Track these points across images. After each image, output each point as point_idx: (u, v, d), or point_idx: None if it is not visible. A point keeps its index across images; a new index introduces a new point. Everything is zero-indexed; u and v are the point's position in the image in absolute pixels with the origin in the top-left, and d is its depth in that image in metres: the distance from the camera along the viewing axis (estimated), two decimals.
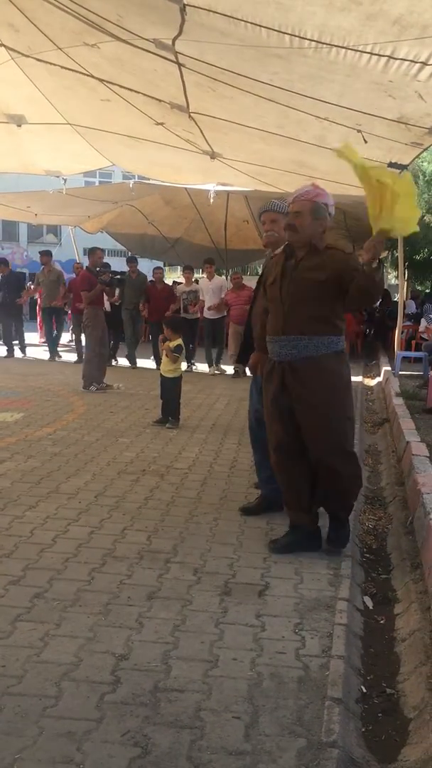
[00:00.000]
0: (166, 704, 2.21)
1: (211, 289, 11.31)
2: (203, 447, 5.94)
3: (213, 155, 8.33)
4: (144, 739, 2.03)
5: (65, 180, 11.53)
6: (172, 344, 6.70)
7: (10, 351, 12.24)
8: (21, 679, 2.31)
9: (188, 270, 12.10)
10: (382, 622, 3.07)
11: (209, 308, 11.20)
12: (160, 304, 11.22)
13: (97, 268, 9.26)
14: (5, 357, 12.05)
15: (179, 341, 6.77)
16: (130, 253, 15.90)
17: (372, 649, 2.83)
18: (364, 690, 2.51)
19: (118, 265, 16.24)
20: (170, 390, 6.77)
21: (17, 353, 12.32)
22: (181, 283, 12.05)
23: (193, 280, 11.84)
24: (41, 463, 5.11)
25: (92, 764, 1.92)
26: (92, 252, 9.47)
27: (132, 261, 11.97)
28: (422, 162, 10.16)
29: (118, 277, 11.57)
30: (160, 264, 17.64)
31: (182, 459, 5.48)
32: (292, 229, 3.47)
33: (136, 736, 2.04)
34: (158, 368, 10.79)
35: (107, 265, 12.29)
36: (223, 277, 12.33)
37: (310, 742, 2.06)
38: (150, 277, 12.25)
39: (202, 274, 13.08)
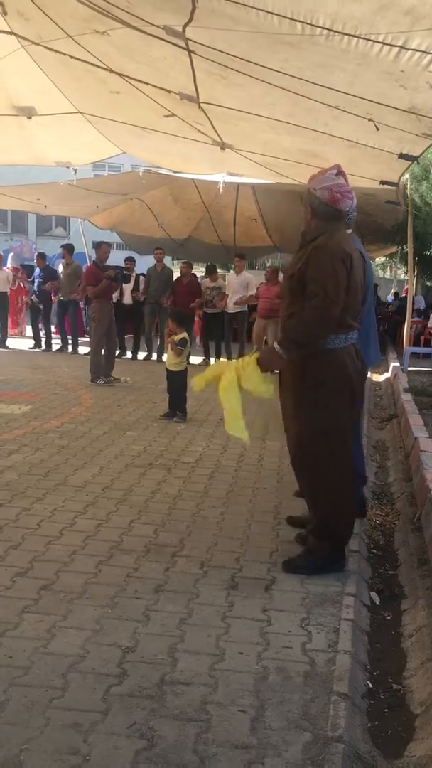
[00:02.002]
0: (172, 697, 2.21)
1: (236, 283, 11.21)
2: (210, 441, 5.93)
3: (223, 146, 8.27)
4: (150, 731, 2.04)
5: (75, 170, 11.52)
6: (177, 338, 6.69)
7: (46, 343, 12.61)
8: (28, 671, 2.32)
9: (212, 272, 11.91)
10: (388, 617, 3.06)
11: (235, 303, 11.06)
12: (185, 298, 11.14)
13: (124, 265, 9.29)
14: (43, 350, 12.46)
15: (184, 335, 6.75)
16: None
17: (378, 644, 2.83)
18: (371, 685, 2.51)
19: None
20: (176, 384, 6.76)
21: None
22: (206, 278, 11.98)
23: (217, 277, 11.74)
24: (49, 456, 5.12)
25: (98, 756, 1.92)
26: (99, 246, 9.46)
27: (159, 251, 11.85)
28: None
29: (125, 272, 11.58)
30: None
31: (189, 453, 5.48)
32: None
33: (142, 729, 2.05)
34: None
35: (132, 259, 12.32)
36: (251, 274, 12.35)
37: (316, 736, 2.06)
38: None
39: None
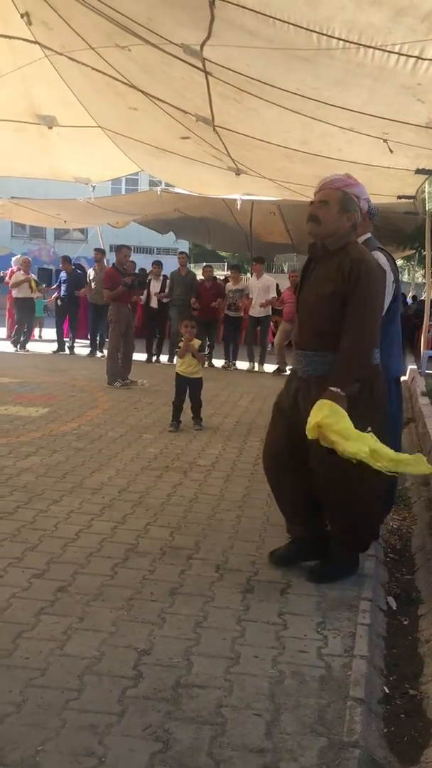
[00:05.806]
0: (187, 700, 2.22)
1: (258, 287, 11.40)
2: (227, 444, 5.93)
3: (238, 172, 8.36)
4: (165, 734, 2.04)
5: (93, 187, 11.55)
6: (197, 344, 6.62)
7: (67, 347, 12.67)
8: (44, 672, 2.33)
9: (235, 270, 12.18)
10: (405, 622, 3.04)
11: (261, 305, 11.29)
12: (209, 301, 11.34)
13: (130, 271, 9.37)
14: (65, 353, 12.56)
15: (199, 341, 6.69)
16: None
17: (395, 649, 2.81)
18: (387, 691, 2.49)
19: (145, 262, 16.22)
20: (196, 390, 6.69)
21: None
22: (229, 281, 12.06)
23: (240, 279, 11.88)
24: (66, 458, 5.15)
25: (114, 758, 1.93)
26: (119, 249, 9.51)
27: (183, 255, 12.06)
28: None
29: (142, 278, 11.61)
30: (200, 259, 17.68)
31: (205, 456, 5.48)
32: (314, 220, 3.05)
33: (158, 731, 2.05)
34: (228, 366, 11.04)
35: (159, 263, 12.37)
36: (272, 277, 12.52)
37: (332, 741, 2.05)
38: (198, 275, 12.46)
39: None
